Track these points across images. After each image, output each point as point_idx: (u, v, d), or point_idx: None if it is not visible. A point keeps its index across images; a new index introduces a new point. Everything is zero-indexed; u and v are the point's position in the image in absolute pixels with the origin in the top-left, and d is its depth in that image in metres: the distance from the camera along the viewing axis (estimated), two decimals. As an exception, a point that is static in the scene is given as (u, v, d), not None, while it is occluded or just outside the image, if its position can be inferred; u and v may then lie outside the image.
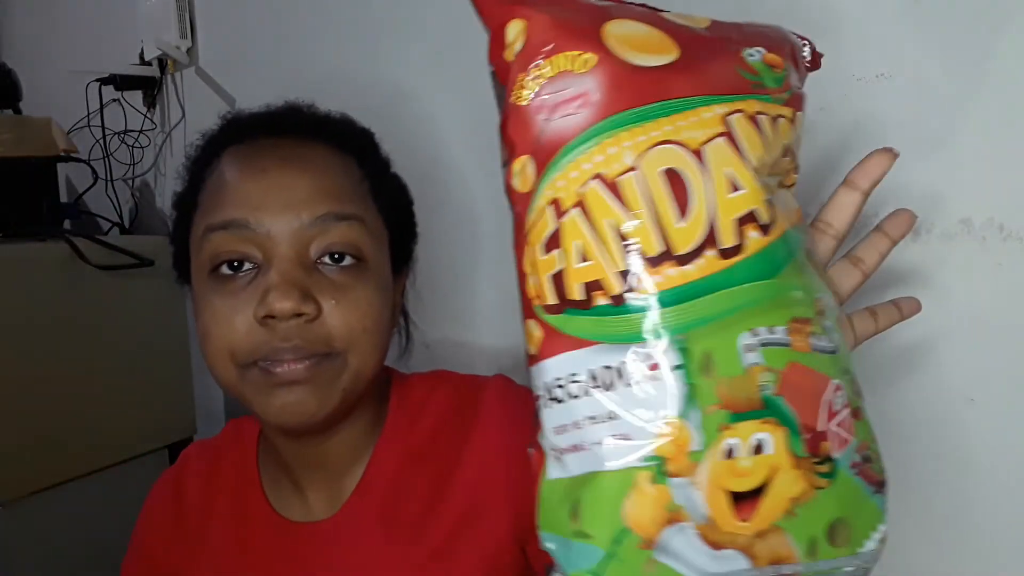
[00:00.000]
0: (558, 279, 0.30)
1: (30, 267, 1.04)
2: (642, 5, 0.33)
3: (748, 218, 0.29)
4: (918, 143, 0.51)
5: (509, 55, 0.32)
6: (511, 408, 0.55)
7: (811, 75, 0.56)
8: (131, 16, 1.38)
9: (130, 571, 0.63)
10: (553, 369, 0.30)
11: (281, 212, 0.47)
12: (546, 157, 0.30)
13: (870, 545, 0.31)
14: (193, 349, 1.25)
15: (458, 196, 0.85)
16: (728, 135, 0.30)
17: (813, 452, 0.29)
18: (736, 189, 0.29)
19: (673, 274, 0.28)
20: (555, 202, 0.30)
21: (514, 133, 0.32)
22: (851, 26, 0.53)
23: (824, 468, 0.29)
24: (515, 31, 0.32)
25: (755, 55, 0.33)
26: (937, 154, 0.50)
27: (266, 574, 0.56)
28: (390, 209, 0.54)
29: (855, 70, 0.53)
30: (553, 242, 0.30)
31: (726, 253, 0.29)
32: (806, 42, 0.37)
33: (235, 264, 0.48)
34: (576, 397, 0.29)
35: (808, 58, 0.37)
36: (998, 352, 0.49)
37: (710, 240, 0.29)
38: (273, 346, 0.46)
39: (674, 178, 0.29)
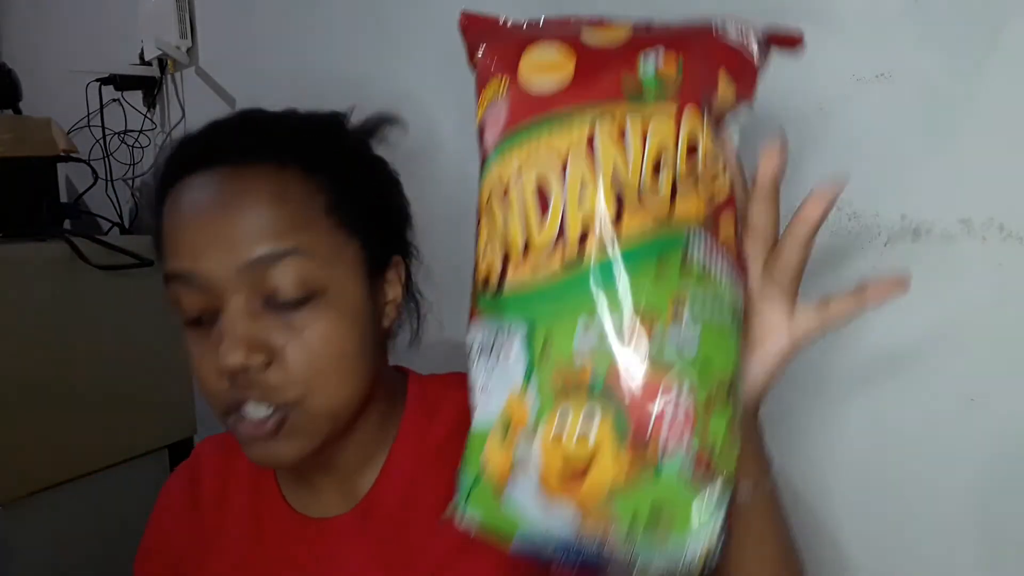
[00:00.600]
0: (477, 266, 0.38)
1: (30, 267, 1.04)
2: (584, 22, 0.39)
3: (591, 222, 0.33)
4: (918, 143, 0.51)
5: (477, 80, 0.39)
6: None
7: (811, 75, 0.57)
8: (131, 16, 1.38)
9: (146, 567, 0.63)
10: (469, 336, 0.38)
11: (219, 258, 0.45)
12: (482, 169, 0.37)
13: (692, 543, 0.32)
14: (193, 349, 1.25)
15: (461, 197, 0.85)
16: (591, 142, 0.34)
17: (638, 441, 0.32)
18: (587, 192, 0.33)
19: (527, 270, 0.34)
20: (480, 207, 0.38)
21: (480, 146, 0.38)
22: (851, 26, 0.53)
23: (649, 459, 0.32)
24: (477, 59, 0.39)
25: (650, 62, 0.35)
26: (937, 154, 0.50)
27: (282, 568, 0.56)
28: (360, 207, 0.51)
29: (855, 70, 0.53)
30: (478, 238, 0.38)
31: (573, 253, 0.33)
32: (755, 35, 0.39)
33: (196, 316, 0.48)
34: (472, 362, 0.37)
35: (758, 54, 0.38)
36: (998, 352, 0.49)
37: (560, 241, 0.33)
38: (235, 397, 0.46)
39: (543, 186, 0.34)
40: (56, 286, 1.07)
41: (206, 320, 0.47)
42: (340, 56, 1.00)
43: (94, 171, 1.39)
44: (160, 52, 1.31)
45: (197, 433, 1.24)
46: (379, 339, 0.53)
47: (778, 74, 0.57)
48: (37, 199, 1.22)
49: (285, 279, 0.46)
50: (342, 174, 0.51)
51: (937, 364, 0.52)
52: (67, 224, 1.31)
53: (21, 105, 1.33)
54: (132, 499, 0.67)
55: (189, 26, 1.28)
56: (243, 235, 0.46)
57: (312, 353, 0.46)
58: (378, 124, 0.57)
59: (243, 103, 1.25)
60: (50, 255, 1.07)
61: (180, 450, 1.22)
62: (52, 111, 1.28)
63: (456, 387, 0.57)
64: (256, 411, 0.46)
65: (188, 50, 1.30)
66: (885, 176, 0.53)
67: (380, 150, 0.56)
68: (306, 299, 0.47)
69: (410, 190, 0.59)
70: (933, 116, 0.50)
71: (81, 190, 1.46)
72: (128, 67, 1.40)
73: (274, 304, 0.46)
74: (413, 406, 0.57)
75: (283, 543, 0.56)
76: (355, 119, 0.56)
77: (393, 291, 0.55)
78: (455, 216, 0.85)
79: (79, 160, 1.31)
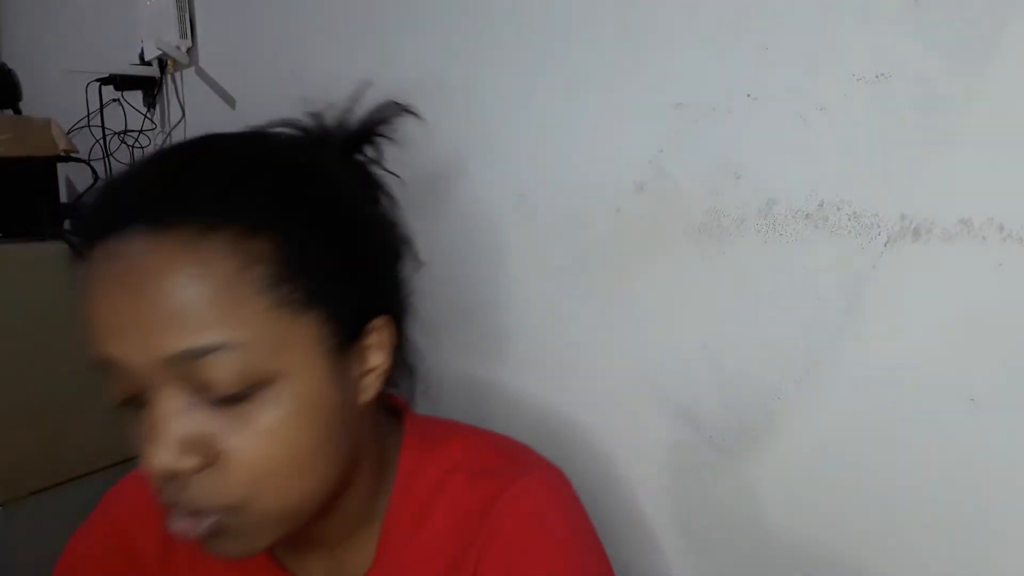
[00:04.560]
0: None
1: (30, 267, 1.04)
2: None
3: None
4: (918, 143, 0.51)
5: None
6: (546, 529, 0.47)
7: (811, 75, 0.57)
8: (131, 16, 1.38)
9: (87, 542, 0.55)
10: None
11: (137, 347, 0.37)
12: None
13: None
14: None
15: (464, 198, 0.85)
16: None
17: None
18: None
19: None
20: None
21: None
22: (851, 26, 0.53)
23: None
24: None
25: None
26: (937, 154, 0.50)
27: None
28: (324, 270, 0.41)
29: (855, 70, 0.53)
30: None
31: None
32: None
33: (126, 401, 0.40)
34: None
35: None
36: (998, 352, 0.49)
37: None
38: (172, 500, 0.39)
39: None
40: (56, 286, 1.06)
41: (139, 405, 0.40)
42: (340, 56, 0.99)
43: (94, 171, 1.39)
44: (160, 52, 1.31)
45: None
46: (353, 418, 0.44)
47: (778, 74, 0.57)
48: (37, 199, 1.22)
49: (216, 375, 0.37)
50: (300, 228, 0.40)
51: (937, 364, 0.52)
52: (67, 224, 1.31)
53: (21, 105, 1.34)
54: (132, 499, 0.66)
55: (189, 26, 1.28)
56: (159, 325, 0.37)
57: (258, 452, 0.38)
58: (380, 120, 0.49)
59: (243, 103, 1.25)
60: (50, 255, 1.07)
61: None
62: (52, 111, 1.29)
63: (454, 467, 0.49)
64: (192, 514, 0.39)
65: (188, 50, 1.30)
66: (885, 176, 0.53)
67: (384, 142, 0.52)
68: (246, 393, 0.38)
69: (403, 192, 0.58)
70: (933, 116, 0.50)
71: (81, 190, 1.46)
72: (128, 67, 1.40)
73: (209, 398, 0.38)
74: (402, 486, 0.49)
75: None
76: (360, 110, 0.49)
77: (376, 358, 0.45)
78: (456, 223, 0.85)
79: (79, 160, 1.31)
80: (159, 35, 1.28)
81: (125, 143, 1.47)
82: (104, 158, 1.46)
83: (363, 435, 0.47)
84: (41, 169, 1.23)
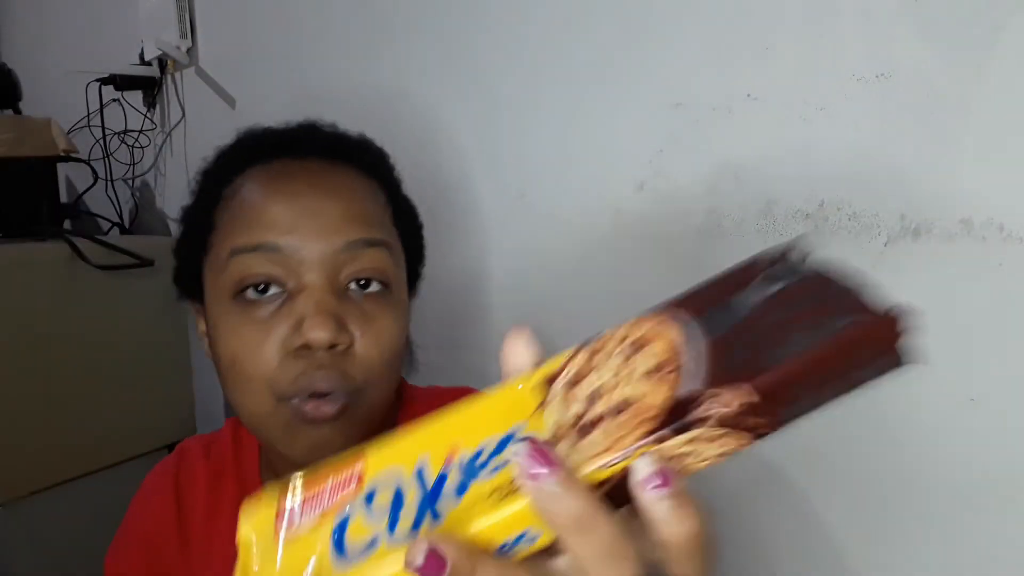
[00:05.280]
0: None
1: (30, 267, 1.04)
2: None
3: None
4: (918, 143, 0.51)
5: None
6: None
7: (811, 75, 0.57)
8: (131, 16, 1.38)
9: (120, 560, 0.61)
10: None
11: (313, 237, 0.46)
12: None
13: None
14: (193, 349, 1.25)
15: (464, 198, 0.85)
16: None
17: None
18: None
19: None
20: None
21: None
22: (851, 26, 0.53)
23: None
24: None
25: None
26: (937, 154, 0.50)
27: None
28: (406, 233, 0.54)
29: (855, 70, 0.53)
30: None
31: None
32: None
33: (261, 288, 0.47)
34: None
35: None
36: (998, 352, 0.49)
37: None
38: (309, 377, 0.45)
39: None
40: (56, 286, 1.07)
41: (269, 298, 0.46)
42: (339, 56, 1.00)
43: (94, 171, 1.39)
44: (160, 52, 1.31)
45: (197, 433, 1.24)
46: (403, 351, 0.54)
47: (779, 74, 0.57)
48: (37, 199, 1.22)
49: (371, 266, 0.48)
50: (399, 196, 0.55)
51: (937, 364, 0.52)
52: (67, 224, 1.31)
53: (21, 105, 1.34)
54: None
55: (189, 26, 1.28)
56: (342, 219, 0.47)
57: (381, 343, 0.47)
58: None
59: (243, 103, 1.25)
60: (50, 255, 1.07)
61: (180, 450, 1.22)
62: (52, 111, 1.29)
63: (441, 401, 0.56)
64: (326, 388, 0.45)
65: (188, 50, 1.30)
66: (885, 176, 0.53)
67: (385, 142, 0.57)
68: (380, 291, 0.48)
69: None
70: (933, 116, 0.50)
71: (81, 190, 1.46)
72: (128, 67, 1.40)
73: (349, 291, 0.48)
74: (401, 422, 0.56)
75: None
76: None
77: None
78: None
79: (79, 160, 1.31)
80: (159, 35, 1.28)
81: (125, 143, 1.47)
82: (104, 158, 1.46)
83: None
84: (41, 169, 1.23)
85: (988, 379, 0.49)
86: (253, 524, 0.29)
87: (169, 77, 1.38)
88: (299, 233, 0.46)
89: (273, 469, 0.58)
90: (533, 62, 0.75)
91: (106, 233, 1.44)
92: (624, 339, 0.26)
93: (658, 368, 0.24)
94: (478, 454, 0.25)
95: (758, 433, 0.23)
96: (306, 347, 0.45)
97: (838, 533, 0.58)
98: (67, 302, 1.08)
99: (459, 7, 0.82)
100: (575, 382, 0.26)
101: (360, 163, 0.52)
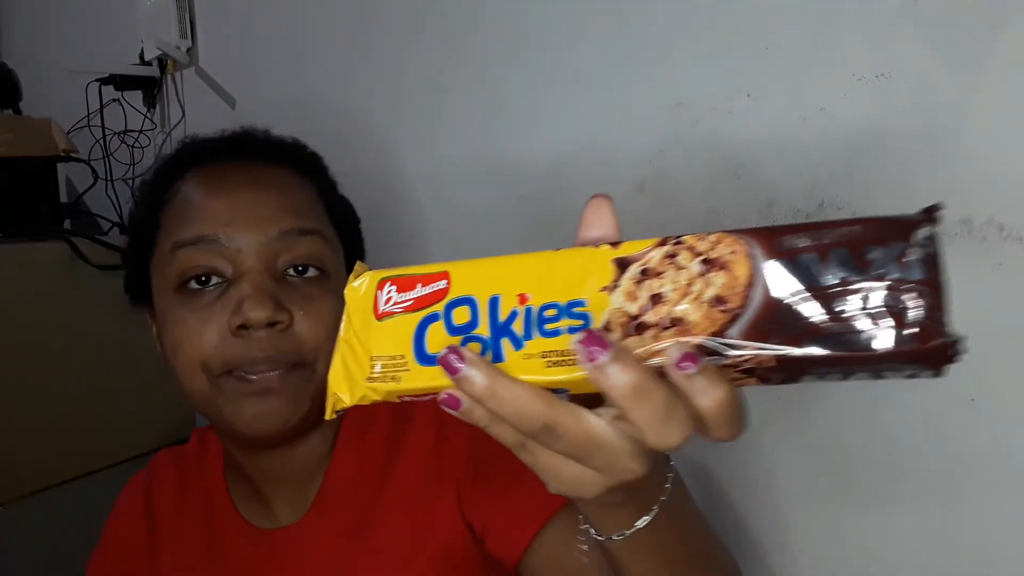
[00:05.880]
0: None
1: (30, 267, 1.04)
2: None
3: None
4: (918, 143, 0.51)
5: None
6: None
7: (811, 75, 0.57)
8: (131, 16, 1.38)
9: (98, 567, 0.65)
10: None
11: (249, 228, 0.50)
12: None
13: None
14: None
15: (464, 198, 0.85)
16: None
17: None
18: None
19: None
20: None
21: None
22: (851, 26, 0.53)
23: None
24: None
25: None
26: (937, 154, 0.50)
27: None
28: (342, 226, 0.58)
29: (855, 70, 0.53)
30: None
31: None
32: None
33: (203, 279, 0.50)
34: None
35: None
36: (998, 352, 0.48)
37: None
38: (249, 356, 0.48)
39: None
40: (56, 286, 1.07)
41: (211, 288, 0.50)
42: (340, 56, 0.99)
43: (94, 171, 1.39)
44: (160, 52, 1.31)
45: (197, 433, 1.24)
46: None
47: (779, 74, 0.57)
48: (37, 199, 1.22)
49: (305, 253, 0.51)
50: (333, 193, 0.59)
51: (937, 364, 0.52)
52: (67, 224, 1.31)
53: (21, 105, 1.33)
54: (132, 499, 0.67)
55: (189, 26, 1.28)
56: (276, 210, 0.51)
57: (323, 321, 0.50)
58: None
59: (243, 103, 1.25)
60: (50, 255, 1.07)
61: (180, 450, 1.22)
62: (52, 111, 1.28)
63: None
64: (265, 366, 0.49)
65: (188, 50, 1.30)
66: (885, 176, 0.53)
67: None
68: (318, 276, 0.52)
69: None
70: (933, 116, 0.50)
71: (81, 190, 1.46)
72: (128, 67, 1.40)
73: (290, 276, 0.51)
74: (349, 414, 0.57)
75: (236, 556, 0.57)
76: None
77: None
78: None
79: (79, 160, 1.31)
80: (159, 35, 1.28)
81: (125, 143, 1.46)
82: (104, 158, 1.46)
83: None
84: (41, 169, 1.23)
85: (988, 379, 0.49)
86: (352, 300, 0.33)
87: (169, 77, 1.38)
88: (236, 225, 0.50)
89: (236, 470, 0.59)
90: (533, 62, 0.75)
91: (106, 233, 1.44)
92: (700, 254, 0.27)
93: (716, 301, 0.26)
94: (543, 308, 0.28)
95: (768, 383, 0.26)
96: (245, 327, 0.48)
97: (834, 533, 0.58)
98: (67, 302, 1.07)
99: (460, 7, 0.82)
100: (643, 278, 0.27)
101: (292, 162, 0.57)
